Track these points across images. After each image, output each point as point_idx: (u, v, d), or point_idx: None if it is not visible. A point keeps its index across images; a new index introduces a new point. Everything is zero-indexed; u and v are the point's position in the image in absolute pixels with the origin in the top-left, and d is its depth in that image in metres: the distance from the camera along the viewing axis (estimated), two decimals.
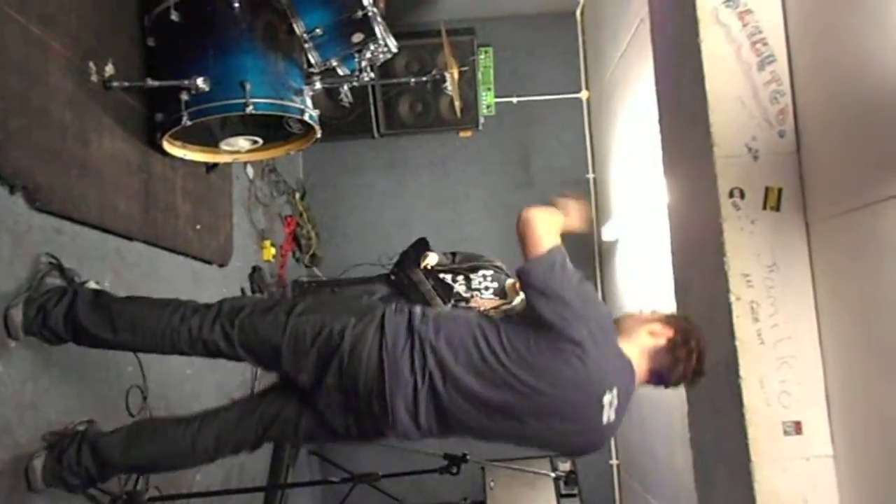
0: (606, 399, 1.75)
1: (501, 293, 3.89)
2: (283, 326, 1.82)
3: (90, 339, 1.94)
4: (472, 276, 3.97)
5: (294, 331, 1.81)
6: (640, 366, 1.81)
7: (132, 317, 1.93)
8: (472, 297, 3.78)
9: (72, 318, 1.90)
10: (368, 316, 1.82)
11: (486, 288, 3.93)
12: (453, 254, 4.20)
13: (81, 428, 2.07)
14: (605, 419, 1.77)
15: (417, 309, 1.87)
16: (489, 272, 4.00)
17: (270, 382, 2.08)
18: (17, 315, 1.88)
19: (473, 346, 1.77)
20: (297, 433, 1.94)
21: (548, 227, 1.81)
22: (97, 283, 2.17)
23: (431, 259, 4.00)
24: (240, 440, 1.99)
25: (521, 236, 1.84)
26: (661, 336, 1.82)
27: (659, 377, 1.84)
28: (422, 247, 4.05)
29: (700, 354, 1.81)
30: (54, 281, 2.04)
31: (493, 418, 1.80)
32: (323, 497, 4.98)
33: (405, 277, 3.87)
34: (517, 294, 3.71)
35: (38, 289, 1.96)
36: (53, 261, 2.06)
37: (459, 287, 3.86)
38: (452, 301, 3.71)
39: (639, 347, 1.82)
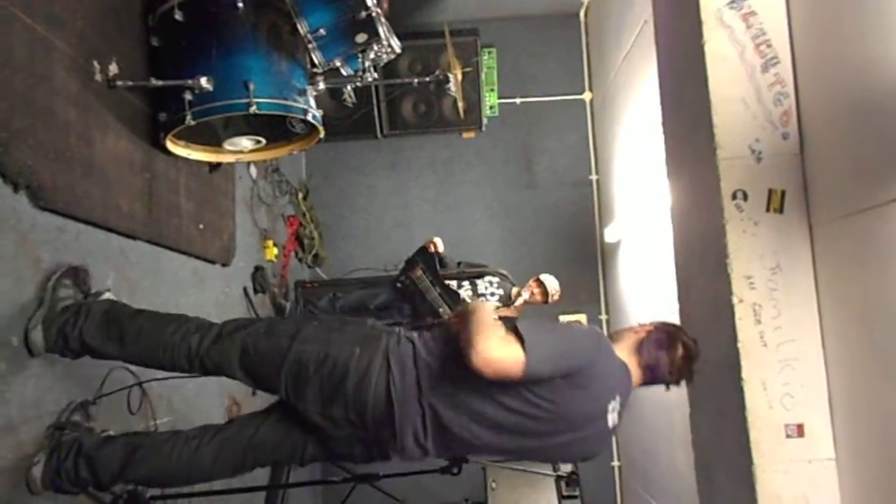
0: (611, 406, 1.83)
1: (507, 300, 3.91)
2: (286, 352, 1.81)
3: (99, 354, 1.99)
4: (477, 281, 3.99)
5: (297, 358, 1.80)
6: (633, 364, 1.90)
7: (138, 330, 1.95)
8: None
9: (83, 341, 1.94)
10: (372, 346, 1.80)
11: (493, 294, 3.95)
12: (459, 263, 4.22)
13: (77, 419, 2.08)
14: (609, 422, 1.85)
15: (418, 339, 1.84)
16: (495, 279, 4.01)
17: (271, 403, 2.05)
18: (38, 338, 1.93)
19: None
20: (301, 459, 1.95)
21: (500, 361, 1.64)
22: (109, 291, 2.18)
23: (438, 243, 4.02)
24: (238, 466, 2.00)
25: (490, 375, 1.65)
26: (642, 332, 1.95)
27: (651, 371, 1.91)
28: (426, 253, 4.06)
29: (684, 343, 1.90)
30: (67, 291, 2.04)
31: (501, 439, 1.82)
32: (324, 497, 4.98)
33: (411, 285, 3.88)
34: (521, 298, 3.74)
35: (52, 305, 1.98)
36: (64, 270, 2.07)
37: (465, 293, 3.87)
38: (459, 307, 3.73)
39: (627, 348, 1.91)
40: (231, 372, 1.90)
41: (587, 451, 1.95)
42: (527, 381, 1.69)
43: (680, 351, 1.90)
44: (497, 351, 1.62)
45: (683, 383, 1.93)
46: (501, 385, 1.70)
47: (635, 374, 1.91)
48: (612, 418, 1.85)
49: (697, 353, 1.94)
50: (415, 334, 1.87)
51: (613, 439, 1.97)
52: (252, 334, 1.87)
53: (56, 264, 2.10)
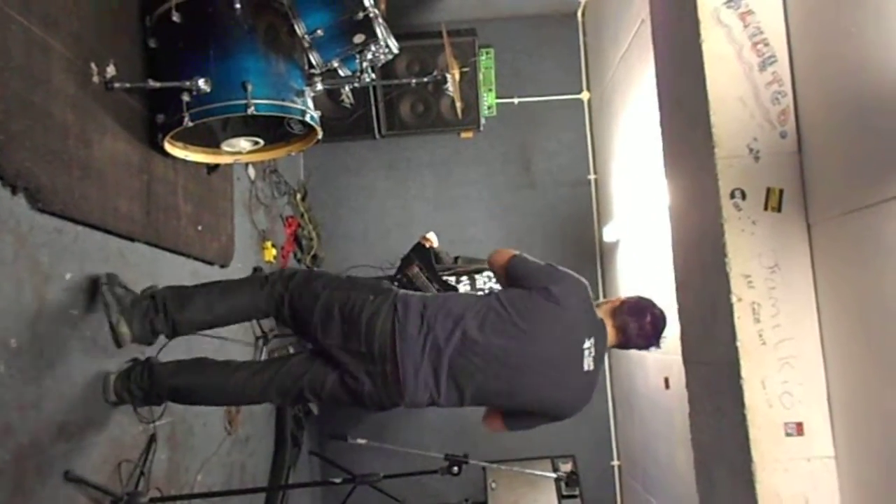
0: (585, 346, 2.24)
1: None
2: (318, 297, 2.25)
3: (192, 326, 2.39)
4: (476, 276, 3.98)
5: (326, 302, 2.23)
6: (609, 325, 2.34)
7: (216, 297, 2.38)
8: None
9: (171, 318, 2.30)
10: (384, 294, 2.25)
11: (491, 289, 3.94)
12: (456, 258, 4.21)
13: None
14: (585, 366, 2.25)
15: (421, 293, 2.39)
16: (493, 274, 4.00)
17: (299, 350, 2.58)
18: (125, 330, 2.20)
19: (475, 308, 2.24)
20: (320, 392, 2.27)
21: (502, 252, 2.40)
22: (157, 285, 2.45)
23: (433, 238, 4.00)
24: (263, 390, 2.34)
25: (493, 266, 2.42)
26: (618, 301, 2.42)
27: (624, 334, 2.35)
28: (422, 252, 4.04)
29: (652, 313, 2.38)
30: (121, 290, 2.29)
31: (492, 366, 2.20)
32: (324, 498, 4.98)
33: (409, 283, 3.88)
34: None
35: (120, 302, 2.24)
36: (105, 276, 2.32)
37: (464, 289, 3.86)
38: None
39: (605, 312, 2.37)
40: (283, 314, 2.34)
41: (565, 383, 2.28)
42: (512, 279, 2.32)
43: (648, 318, 2.36)
44: (499, 251, 2.39)
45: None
46: (490, 308, 2.24)
47: (611, 334, 2.34)
48: (588, 361, 2.25)
49: (664, 321, 2.40)
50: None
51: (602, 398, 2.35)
52: (299, 281, 2.33)
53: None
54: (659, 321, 2.38)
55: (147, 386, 2.33)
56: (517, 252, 2.37)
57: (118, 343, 2.19)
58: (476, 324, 2.20)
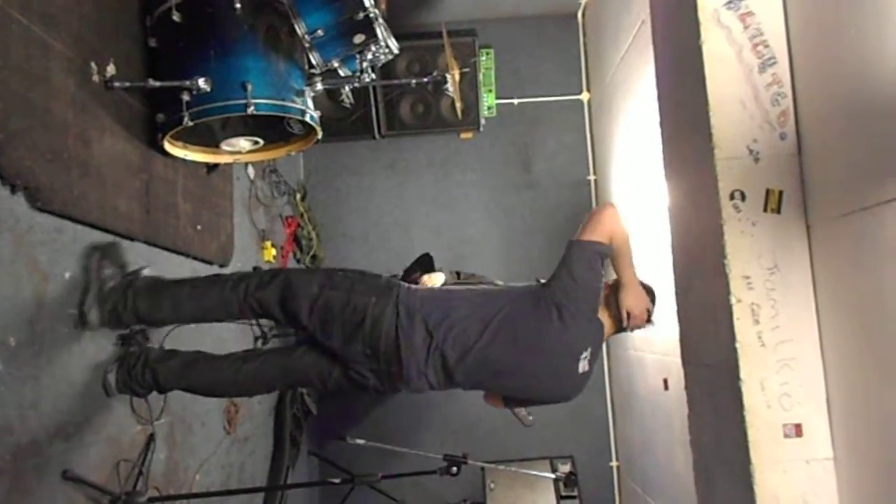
0: (583, 356, 2.29)
1: None
2: (316, 298, 2.20)
3: (156, 321, 2.37)
4: None
5: (324, 304, 2.19)
6: (605, 317, 2.35)
7: (187, 294, 2.31)
8: None
9: (138, 315, 2.26)
10: (386, 296, 2.20)
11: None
12: (458, 273, 4.22)
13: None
14: (580, 369, 2.30)
15: (426, 293, 2.31)
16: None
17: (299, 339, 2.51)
18: (95, 317, 2.22)
19: (478, 318, 2.22)
20: (326, 383, 2.31)
21: (615, 227, 2.26)
22: (148, 268, 2.42)
23: (437, 279, 4.01)
24: (271, 385, 2.48)
25: (592, 216, 2.28)
26: (606, 289, 2.38)
27: (618, 322, 2.36)
28: (426, 263, 4.06)
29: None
30: (109, 271, 2.31)
31: (490, 370, 2.26)
32: (322, 498, 4.98)
33: None
34: None
35: (101, 286, 2.26)
36: (99, 250, 2.34)
37: None
38: None
39: (602, 305, 2.35)
40: (273, 312, 2.27)
41: (559, 386, 2.36)
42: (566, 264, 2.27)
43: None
44: (608, 215, 2.26)
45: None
46: (493, 316, 2.22)
47: (608, 324, 2.36)
48: (582, 365, 2.29)
49: (654, 297, 2.42)
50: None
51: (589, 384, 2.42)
52: (290, 281, 2.25)
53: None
54: (651, 296, 2.45)
55: (150, 385, 2.35)
56: (606, 246, 2.26)
57: (84, 327, 2.23)
58: (478, 335, 2.20)
